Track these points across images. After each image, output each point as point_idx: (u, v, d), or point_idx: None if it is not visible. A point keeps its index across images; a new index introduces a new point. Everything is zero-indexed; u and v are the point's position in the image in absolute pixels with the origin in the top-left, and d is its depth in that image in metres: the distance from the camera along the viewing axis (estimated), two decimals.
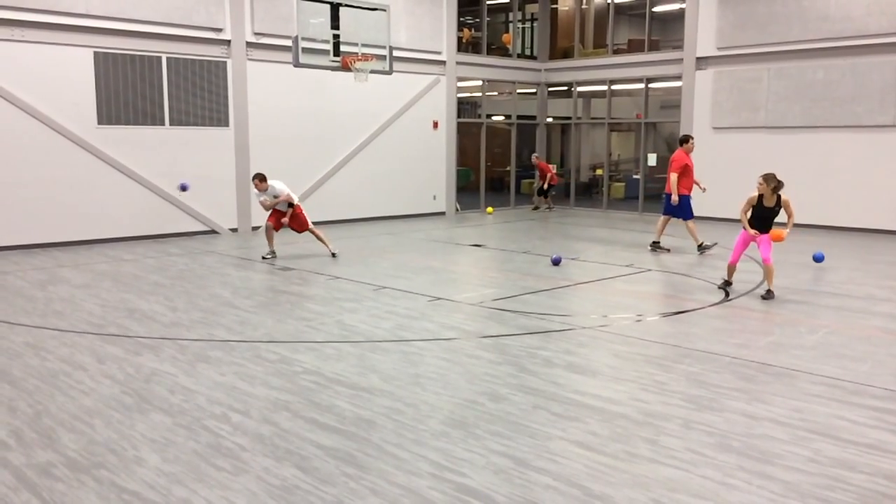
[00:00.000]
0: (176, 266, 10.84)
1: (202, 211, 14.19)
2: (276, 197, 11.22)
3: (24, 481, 3.99)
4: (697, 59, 17.03)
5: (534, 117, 20.93)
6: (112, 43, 12.84)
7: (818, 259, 10.70)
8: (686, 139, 12.12)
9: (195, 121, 14.00)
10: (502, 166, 20.73)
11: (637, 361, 6.27)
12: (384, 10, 12.50)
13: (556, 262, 10.88)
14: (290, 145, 15.23)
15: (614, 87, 19.40)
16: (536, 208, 19.50)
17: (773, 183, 8.54)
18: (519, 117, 20.40)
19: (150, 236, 13.54)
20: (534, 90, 20.75)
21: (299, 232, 11.74)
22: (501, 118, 21.25)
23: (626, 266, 10.81)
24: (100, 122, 12.85)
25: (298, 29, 11.53)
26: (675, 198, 11.86)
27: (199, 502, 3.77)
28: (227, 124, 14.40)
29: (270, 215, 11.51)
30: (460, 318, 7.74)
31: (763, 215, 8.72)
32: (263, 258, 11.49)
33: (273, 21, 14.53)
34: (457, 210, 18.56)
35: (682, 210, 12.02)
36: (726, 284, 9.16)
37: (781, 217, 8.89)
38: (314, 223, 11.83)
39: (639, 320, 7.78)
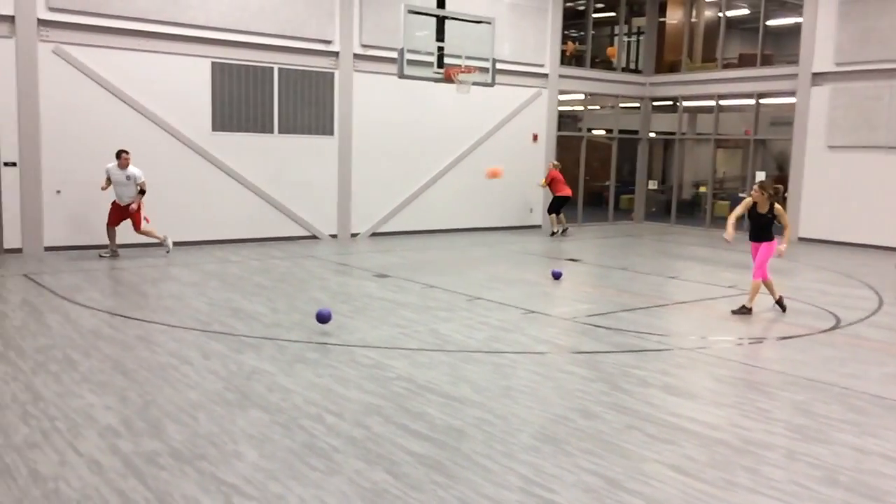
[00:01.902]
0: (278, 269, 11.20)
1: (304, 216, 14.63)
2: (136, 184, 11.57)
3: (132, 468, 4.20)
4: (813, 74, 16.30)
5: (636, 132, 20.54)
6: (229, 53, 13.44)
7: None
8: None
9: (302, 129, 14.46)
10: (601, 181, 20.43)
11: (738, 386, 6.04)
12: (489, 23, 12.57)
13: (556, 276, 10.74)
14: (392, 155, 15.49)
15: (722, 102, 18.83)
16: (554, 233, 16.65)
17: (769, 190, 8.57)
18: (621, 132, 20.07)
19: (255, 239, 14.05)
20: (637, 104, 20.39)
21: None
22: (602, 132, 20.96)
23: (729, 287, 10.44)
24: (214, 129, 13.47)
25: (404, 41, 11.74)
26: None
27: (292, 499, 3.87)
28: (331, 133, 14.80)
29: (115, 214, 11.74)
30: (553, 333, 7.66)
31: (757, 223, 8.68)
32: (101, 256, 11.77)
33: (380, 33, 14.86)
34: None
35: None
36: (778, 302, 8.90)
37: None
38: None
39: (741, 344, 7.50)
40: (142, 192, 11.68)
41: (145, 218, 11.82)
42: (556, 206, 16.69)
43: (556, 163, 17.15)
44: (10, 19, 11.38)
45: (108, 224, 11.79)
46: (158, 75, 12.80)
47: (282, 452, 4.45)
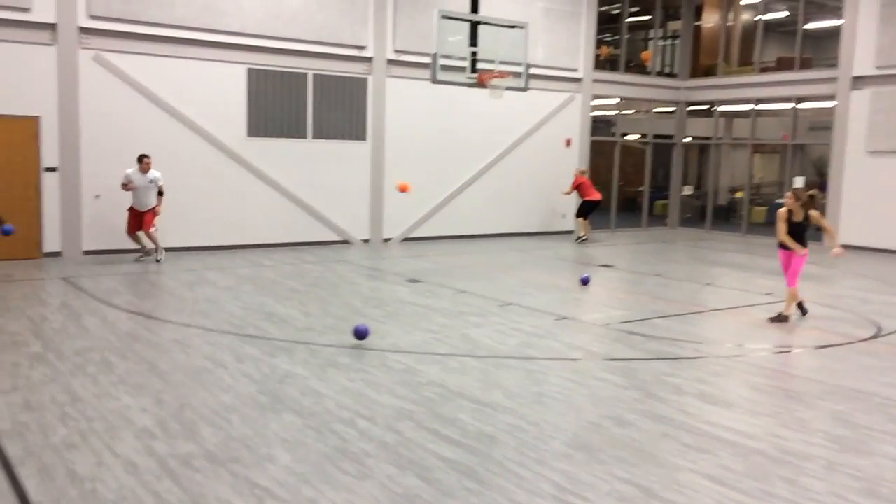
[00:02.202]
0: (311, 273, 11.28)
1: (337, 221, 14.71)
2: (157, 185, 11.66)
3: (167, 469, 4.24)
4: (853, 78, 15.99)
5: (671, 136, 20.34)
6: (264, 60, 13.58)
7: None
8: None
9: (335, 134, 14.56)
10: (635, 186, 20.26)
11: (776, 395, 5.93)
12: (523, 28, 12.55)
13: (584, 283, 10.68)
14: (424, 160, 15.51)
15: (759, 106, 18.56)
16: (582, 238, 16.31)
17: (802, 198, 8.53)
18: (655, 136, 19.89)
19: (288, 244, 14.15)
20: (672, 109, 20.19)
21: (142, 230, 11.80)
22: (636, 137, 20.79)
23: (766, 294, 10.27)
24: (249, 135, 13.62)
25: (437, 46, 11.76)
26: None
27: (324, 503, 3.87)
28: (364, 138, 14.88)
29: (136, 219, 11.71)
30: (587, 339, 7.60)
31: (793, 231, 8.61)
32: (139, 260, 11.85)
33: (413, 39, 14.91)
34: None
35: None
36: (799, 306, 8.88)
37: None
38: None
39: (778, 352, 7.36)
40: (160, 193, 11.76)
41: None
42: (585, 210, 16.47)
43: (582, 169, 16.95)
44: (52, 27, 11.63)
45: (128, 232, 11.80)
46: (195, 82, 12.98)
47: (314, 456, 4.46)
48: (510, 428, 5.00)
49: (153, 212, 11.73)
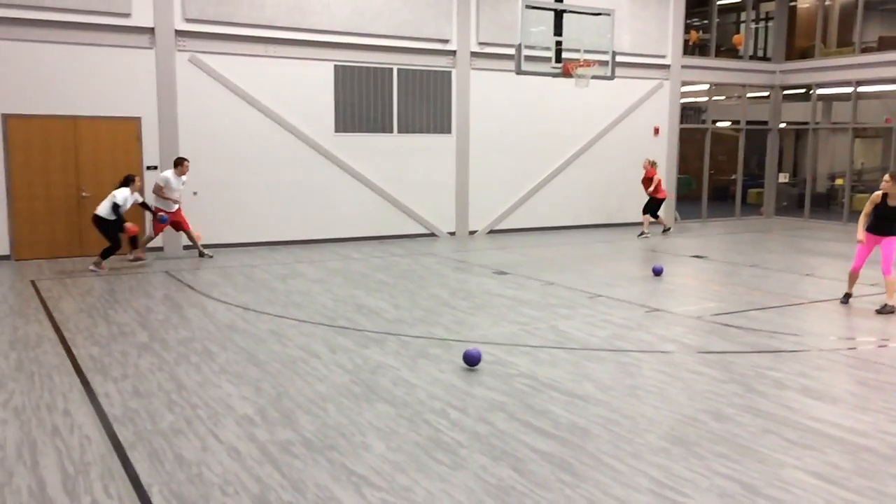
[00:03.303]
0: (399, 266, 11.41)
1: (423, 214, 14.82)
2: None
3: (268, 455, 4.38)
4: None
5: (765, 122, 19.58)
6: (350, 56, 13.80)
7: None
8: None
9: (420, 128, 14.66)
10: (727, 175, 19.62)
11: (886, 390, 5.64)
12: (608, 15, 12.31)
13: (657, 273, 10.49)
14: (509, 152, 15.46)
15: (861, 88, 17.65)
16: (644, 234, 15.33)
17: None
18: (748, 123, 19.19)
19: (376, 237, 14.36)
20: (766, 93, 19.43)
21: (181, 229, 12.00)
22: (728, 124, 20.13)
23: (871, 285, 9.77)
24: (337, 130, 13.87)
25: (521, 37, 11.67)
26: None
27: (419, 492, 3.92)
28: (449, 131, 14.93)
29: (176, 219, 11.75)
30: (680, 331, 7.42)
31: (886, 215, 8.31)
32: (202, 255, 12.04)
33: (497, 30, 14.85)
34: (676, 220, 17.83)
35: None
36: (846, 296, 8.84)
37: None
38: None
39: (885, 345, 7.00)
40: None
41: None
42: (649, 207, 15.44)
43: (652, 160, 15.44)
44: (151, 31, 12.12)
45: (154, 232, 11.81)
46: (285, 80, 13.29)
47: (408, 445, 4.52)
48: (603, 420, 4.94)
49: (180, 211, 11.85)
